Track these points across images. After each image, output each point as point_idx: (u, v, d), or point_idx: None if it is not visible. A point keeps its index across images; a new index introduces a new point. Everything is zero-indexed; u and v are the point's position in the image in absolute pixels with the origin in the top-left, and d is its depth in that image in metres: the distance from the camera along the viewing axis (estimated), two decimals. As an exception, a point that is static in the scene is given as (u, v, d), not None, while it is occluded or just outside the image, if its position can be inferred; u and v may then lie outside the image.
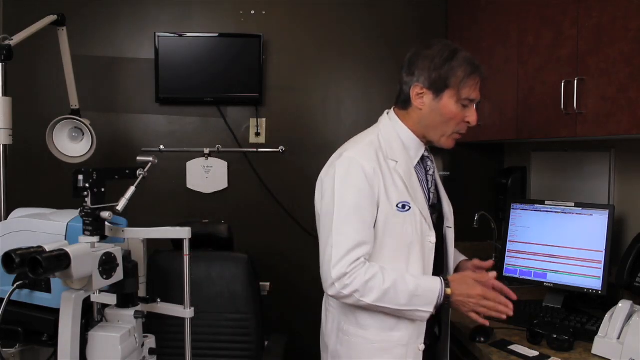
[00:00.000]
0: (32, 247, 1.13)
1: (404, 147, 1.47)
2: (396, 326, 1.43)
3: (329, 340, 1.52)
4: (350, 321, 1.47)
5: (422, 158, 1.52)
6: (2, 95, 1.91)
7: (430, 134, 1.47)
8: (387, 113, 1.53)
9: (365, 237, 1.38)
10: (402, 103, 1.49)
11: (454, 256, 1.61)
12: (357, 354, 1.45)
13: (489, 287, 1.41)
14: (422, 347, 1.45)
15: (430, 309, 1.37)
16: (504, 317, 1.40)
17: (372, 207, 1.39)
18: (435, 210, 1.52)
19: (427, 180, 1.52)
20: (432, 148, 1.58)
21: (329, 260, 1.37)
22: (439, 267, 1.52)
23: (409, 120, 1.48)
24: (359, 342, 1.45)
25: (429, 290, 1.37)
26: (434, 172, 1.54)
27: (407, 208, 1.42)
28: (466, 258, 1.68)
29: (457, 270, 1.62)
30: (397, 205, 1.40)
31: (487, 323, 1.43)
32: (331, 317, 1.52)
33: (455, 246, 1.62)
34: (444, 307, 1.48)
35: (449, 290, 1.38)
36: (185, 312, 1.44)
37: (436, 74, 1.40)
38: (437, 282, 1.39)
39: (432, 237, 1.45)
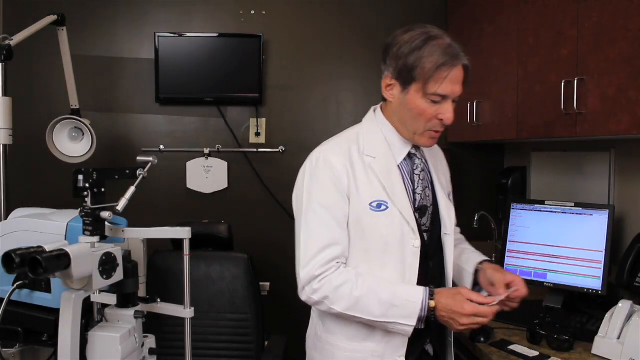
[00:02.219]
0: (32, 247, 1.13)
1: (386, 142, 1.35)
2: (369, 336, 1.32)
3: (307, 345, 1.47)
4: (322, 327, 1.39)
5: (410, 156, 1.38)
6: (2, 95, 1.92)
7: (402, 130, 1.34)
8: (374, 108, 1.42)
9: (336, 237, 1.28)
10: (383, 96, 1.36)
11: (471, 256, 1.48)
12: None
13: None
14: None
15: (412, 322, 1.23)
16: None
17: (343, 205, 1.29)
18: (424, 213, 1.37)
19: (413, 181, 1.37)
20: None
21: (298, 262, 1.29)
22: (435, 276, 1.39)
23: (389, 114, 1.37)
24: (331, 350, 1.36)
25: (408, 301, 1.24)
26: (423, 171, 1.39)
27: (383, 208, 1.29)
28: (487, 259, 1.47)
29: (476, 273, 1.44)
30: (370, 204, 1.29)
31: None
32: (311, 321, 1.46)
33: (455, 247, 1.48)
34: (435, 323, 1.31)
35: (432, 303, 1.23)
36: (185, 312, 1.44)
37: (402, 64, 1.26)
38: (419, 292, 1.24)
39: (416, 242, 1.31)
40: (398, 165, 1.35)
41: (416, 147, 1.39)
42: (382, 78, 1.33)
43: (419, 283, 1.31)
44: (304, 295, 1.30)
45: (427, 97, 1.25)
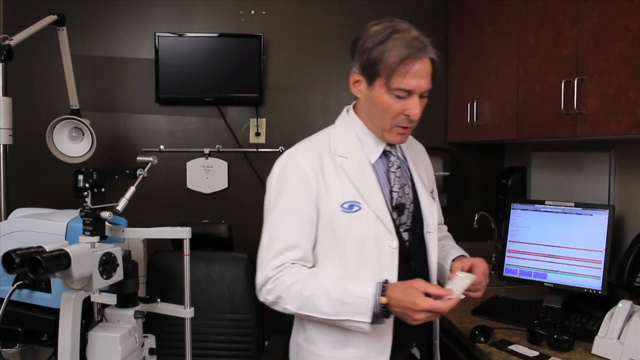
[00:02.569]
0: (32, 247, 1.13)
1: (358, 141, 1.32)
2: (348, 342, 1.27)
3: (290, 353, 1.42)
4: (302, 334, 1.35)
5: (385, 153, 1.34)
6: (2, 95, 1.92)
7: (371, 127, 1.31)
8: (347, 108, 1.39)
9: (297, 241, 1.26)
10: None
11: (450, 251, 1.44)
12: None
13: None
14: None
15: (366, 319, 1.18)
16: None
17: (309, 208, 1.26)
18: (402, 211, 1.31)
19: (389, 179, 1.32)
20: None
21: (258, 264, 1.28)
22: (418, 277, 1.27)
23: (359, 111, 1.35)
24: (312, 359, 1.32)
25: (360, 297, 1.18)
26: (399, 168, 1.34)
27: (355, 209, 1.25)
28: (464, 254, 1.44)
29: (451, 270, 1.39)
30: (342, 206, 1.25)
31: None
32: (293, 329, 1.41)
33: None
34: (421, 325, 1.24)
35: (383, 299, 1.17)
36: (185, 312, 1.44)
37: (366, 58, 1.22)
38: (371, 288, 1.18)
39: (393, 242, 1.26)
40: (373, 164, 1.31)
41: (392, 144, 1.34)
42: (350, 74, 1.30)
43: None
44: (261, 296, 1.29)
45: (391, 92, 1.21)
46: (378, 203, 1.27)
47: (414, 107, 1.22)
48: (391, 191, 1.31)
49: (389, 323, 1.26)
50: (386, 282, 1.21)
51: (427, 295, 1.15)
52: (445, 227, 1.60)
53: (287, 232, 1.26)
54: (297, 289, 1.23)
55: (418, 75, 1.20)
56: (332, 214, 1.26)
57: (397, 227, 1.29)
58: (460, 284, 1.22)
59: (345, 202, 1.25)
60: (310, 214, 1.26)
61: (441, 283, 1.41)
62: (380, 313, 1.18)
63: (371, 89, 1.25)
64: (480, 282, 1.28)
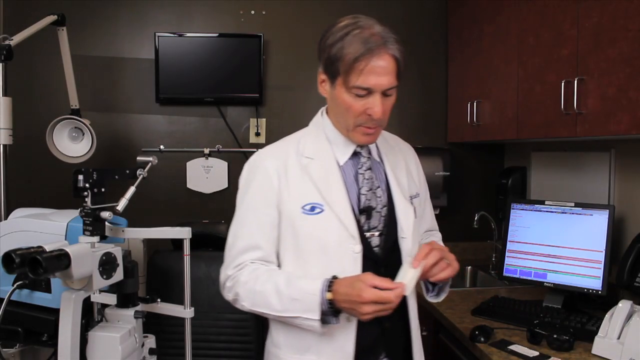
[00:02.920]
0: (32, 247, 1.13)
1: (327, 142, 1.29)
2: (309, 348, 1.24)
3: (264, 356, 1.39)
4: (269, 338, 1.34)
5: (356, 154, 1.29)
6: (2, 95, 1.91)
7: (338, 127, 1.28)
8: (322, 110, 1.36)
9: (258, 241, 1.25)
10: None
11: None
12: None
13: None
14: None
15: (315, 316, 1.14)
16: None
17: (271, 210, 1.25)
18: (370, 214, 1.26)
19: (358, 181, 1.27)
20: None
21: (223, 261, 1.30)
22: None
23: (328, 111, 1.33)
24: None
25: (308, 294, 1.15)
26: (369, 170, 1.28)
27: (317, 211, 1.22)
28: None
29: None
30: (303, 207, 1.23)
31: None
32: (267, 333, 1.38)
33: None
34: (391, 335, 1.25)
35: (329, 295, 1.13)
36: (185, 312, 1.44)
37: (327, 57, 1.20)
38: (318, 284, 1.15)
39: (356, 247, 1.21)
40: (342, 166, 1.27)
41: (364, 146, 1.29)
42: (317, 73, 1.27)
43: None
44: (224, 295, 1.30)
45: (350, 90, 1.17)
46: (341, 205, 1.23)
47: (375, 106, 1.17)
48: (359, 194, 1.26)
49: (351, 329, 1.22)
50: (335, 277, 1.17)
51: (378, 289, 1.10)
52: (439, 235, 1.53)
53: (249, 232, 1.27)
54: (251, 285, 1.23)
55: (377, 73, 1.14)
56: (293, 216, 1.24)
57: (363, 231, 1.25)
58: (409, 274, 1.15)
59: (307, 203, 1.23)
60: (271, 215, 1.25)
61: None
62: (329, 310, 1.14)
63: (333, 88, 1.21)
64: (435, 262, 1.17)
